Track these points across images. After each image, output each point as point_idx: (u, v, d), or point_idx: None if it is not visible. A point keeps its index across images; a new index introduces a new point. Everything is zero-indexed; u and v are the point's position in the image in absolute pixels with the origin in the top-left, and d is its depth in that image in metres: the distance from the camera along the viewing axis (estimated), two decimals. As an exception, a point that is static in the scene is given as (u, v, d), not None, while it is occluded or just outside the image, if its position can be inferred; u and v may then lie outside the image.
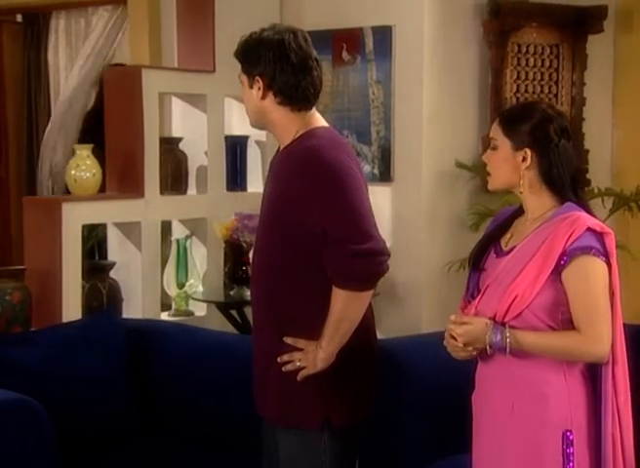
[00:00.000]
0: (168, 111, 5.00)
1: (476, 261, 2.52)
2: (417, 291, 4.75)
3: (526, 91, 4.98)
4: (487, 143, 4.69)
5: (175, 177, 4.79)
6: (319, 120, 2.64)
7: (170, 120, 5.02)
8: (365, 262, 2.45)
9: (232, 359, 3.08)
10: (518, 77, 4.94)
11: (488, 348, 2.36)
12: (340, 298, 2.47)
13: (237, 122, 5.13)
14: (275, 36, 2.59)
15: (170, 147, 4.78)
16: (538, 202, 2.43)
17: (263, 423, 2.69)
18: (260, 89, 2.61)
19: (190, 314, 4.86)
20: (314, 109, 2.64)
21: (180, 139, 4.85)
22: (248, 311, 4.71)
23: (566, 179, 2.39)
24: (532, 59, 4.99)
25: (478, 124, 4.85)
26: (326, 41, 4.93)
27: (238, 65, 4.83)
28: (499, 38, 4.80)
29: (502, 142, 2.43)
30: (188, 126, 4.96)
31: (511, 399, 2.41)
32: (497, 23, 4.78)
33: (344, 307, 2.48)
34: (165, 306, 4.88)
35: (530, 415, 2.38)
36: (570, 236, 2.31)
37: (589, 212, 2.40)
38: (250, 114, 2.69)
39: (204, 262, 4.92)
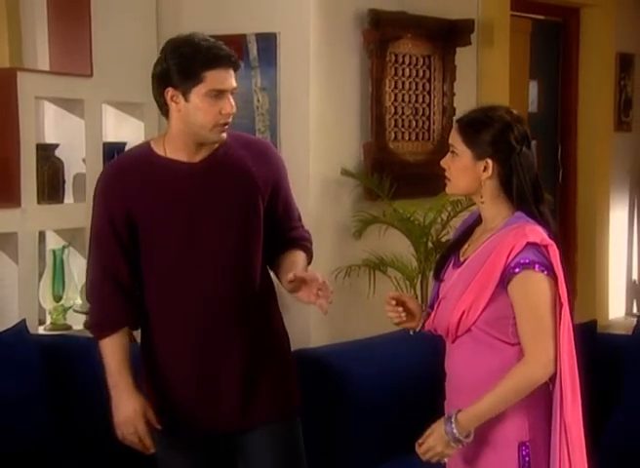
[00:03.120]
0: (40, 116, 4.64)
1: (437, 271, 2.42)
2: (304, 298, 4.60)
3: (403, 100, 4.94)
4: (367, 151, 4.78)
5: (51, 186, 4.45)
6: None
7: (42, 126, 4.66)
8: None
9: None
10: (396, 86, 4.88)
11: (454, 444, 2.25)
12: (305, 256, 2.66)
13: (112, 128, 4.84)
14: None
15: (45, 154, 4.44)
16: (494, 211, 2.33)
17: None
18: None
19: (68, 328, 4.53)
20: None
21: (56, 146, 4.51)
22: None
23: (527, 188, 2.30)
24: (407, 70, 4.94)
25: (360, 132, 4.76)
26: (206, 47, 4.72)
27: (118, 70, 4.67)
28: (378, 48, 4.71)
29: (463, 151, 2.32)
30: (63, 132, 4.61)
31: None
32: (376, 33, 4.70)
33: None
34: (39, 320, 4.54)
35: (485, 427, 2.28)
36: (510, 252, 2.23)
37: (544, 221, 2.30)
38: None
39: (82, 274, 4.58)
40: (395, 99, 4.89)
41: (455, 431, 2.22)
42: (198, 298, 2.45)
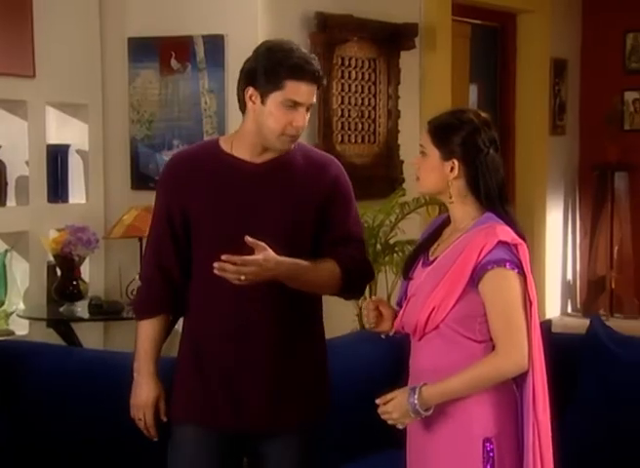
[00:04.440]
0: (-20, 118, 4.50)
1: (406, 270, 2.42)
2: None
3: (349, 103, 4.93)
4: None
5: (-7, 189, 4.32)
6: None
7: (-17, 127, 4.51)
8: None
9: (120, 379, 2.69)
10: (342, 89, 4.87)
11: (412, 414, 2.25)
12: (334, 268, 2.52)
13: (55, 130, 4.71)
14: None
15: (-14, 156, 4.31)
16: (463, 212, 2.34)
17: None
18: None
19: (11, 333, 4.39)
20: None
21: (-3, 148, 4.38)
22: (76, 327, 4.34)
23: (493, 189, 2.31)
24: (354, 72, 4.94)
25: (307, 134, 4.70)
26: (151, 49, 4.65)
27: (60, 70, 4.56)
28: (325, 50, 4.69)
29: (431, 151, 2.33)
30: (5, 134, 4.45)
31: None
32: (323, 36, 4.67)
33: None
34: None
35: (451, 422, 2.29)
36: (481, 250, 2.24)
37: (511, 222, 2.32)
38: None
39: (25, 278, 4.46)
40: (342, 102, 4.87)
41: (416, 403, 2.23)
42: (236, 297, 2.40)
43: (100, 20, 4.72)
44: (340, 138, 4.85)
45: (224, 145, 2.48)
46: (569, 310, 7.62)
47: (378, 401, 2.29)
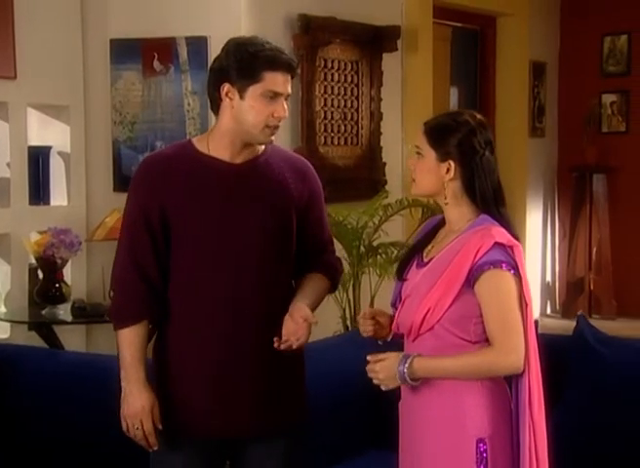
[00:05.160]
0: (-39, 119, 4.45)
1: (400, 271, 2.40)
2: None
3: (332, 105, 4.91)
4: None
5: (-26, 191, 4.27)
6: None
7: (-36, 129, 4.46)
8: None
9: (104, 382, 2.64)
10: (325, 91, 4.86)
11: (399, 380, 2.25)
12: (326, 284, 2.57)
13: (37, 131, 4.66)
14: None
15: (-32, 158, 4.26)
16: (458, 213, 2.33)
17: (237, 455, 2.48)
18: None
19: (-8, 336, 4.36)
20: None
21: (-22, 150, 4.34)
22: (58, 330, 4.30)
23: (488, 191, 2.30)
24: (336, 75, 4.93)
25: (291, 136, 4.70)
26: (134, 50, 4.61)
27: (42, 72, 4.51)
28: (308, 52, 4.67)
29: (427, 153, 2.31)
30: (-16, 135, 4.44)
31: (429, 403, 2.29)
32: (306, 38, 4.66)
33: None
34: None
35: (446, 421, 2.28)
36: (478, 251, 2.23)
37: (506, 223, 2.31)
38: None
39: (7, 281, 4.41)
40: (325, 104, 4.86)
41: (405, 371, 2.23)
42: (219, 298, 2.37)
43: (82, 22, 4.69)
44: (323, 140, 4.84)
45: (200, 146, 2.43)
46: (548, 311, 7.64)
47: (369, 357, 2.29)
